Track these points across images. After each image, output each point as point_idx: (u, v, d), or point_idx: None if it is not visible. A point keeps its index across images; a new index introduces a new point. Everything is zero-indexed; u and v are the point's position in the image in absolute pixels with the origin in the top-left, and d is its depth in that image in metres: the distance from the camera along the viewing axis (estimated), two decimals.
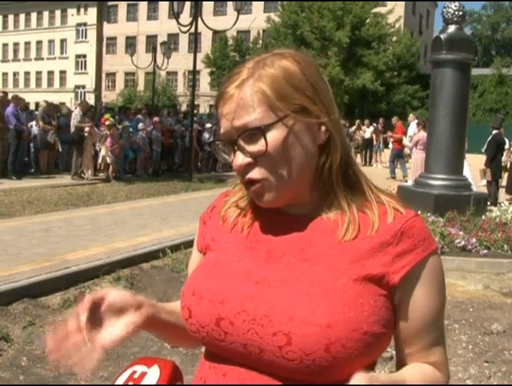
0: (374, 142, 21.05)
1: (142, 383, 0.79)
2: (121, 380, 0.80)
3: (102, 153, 12.70)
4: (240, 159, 0.88)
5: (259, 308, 0.85)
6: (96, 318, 0.88)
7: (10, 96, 13.00)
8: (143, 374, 0.80)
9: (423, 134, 11.89)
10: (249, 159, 0.88)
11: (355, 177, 0.94)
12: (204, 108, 42.82)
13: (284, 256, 0.90)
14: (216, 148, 0.95)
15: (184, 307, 0.92)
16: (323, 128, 0.90)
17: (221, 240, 0.98)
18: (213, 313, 0.87)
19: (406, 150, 20.05)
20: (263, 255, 0.92)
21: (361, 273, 0.86)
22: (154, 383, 0.79)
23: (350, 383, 0.78)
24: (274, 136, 0.86)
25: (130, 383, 0.79)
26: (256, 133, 0.86)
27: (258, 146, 0.86)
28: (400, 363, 0.95)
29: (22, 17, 59.24)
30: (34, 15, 58.40)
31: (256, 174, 0.88)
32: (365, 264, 0.86)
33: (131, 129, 14.16)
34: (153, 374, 0.80)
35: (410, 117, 13.48)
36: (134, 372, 0.81)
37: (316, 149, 0.90)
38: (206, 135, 16.20)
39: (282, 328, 0.82)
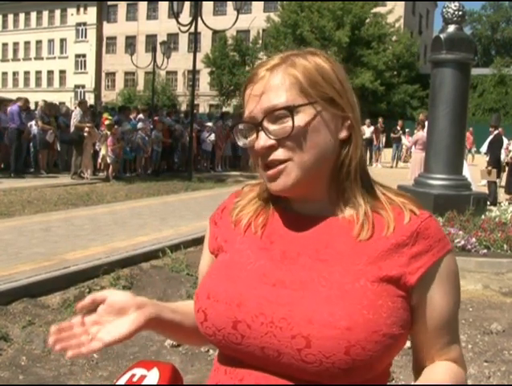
0: (374, 142, 21.08)
1: (141, 385, 0.79)
2: (120, 383, 0.80)
3: (102, 152, 12.71)
4: (263, 141, 0.87)
5: (277, 311, 0.84)
6: (97, 318, 0.89)
7: (9, 95, 13.07)
8: (142, 377, 0.80)
9: (421, 134, 11.90)
10: (272, 141, 0.87)
11: (368, 178, 0.94)
12: (203, 108, 42.81)
13: (300, 257, 0.89)
14: (237, 132, 0.94)
15: (199, 310, 0.91)
16: (347, 123, 0.90)
17: (235, 242, 0.96)
18: (230, 316, 0.86)
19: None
20: (278, 256, 0.91)
21: (379, 275, 0.85)
22: (154, 385, 0.79)
23: None
24: (302, 118, 0.86)
25: (130, 385, 0.79)
26: (284, 113, 0.86)
27: (285, 127, 0.86)
28: (418, 363, 0.95)
29: (21, 16, 59.20)
30: (33, 15, 58.36)
31: (279, 155, 0.87)
32: (381, 266, 0.86)
33: (131, 128, 14.15)
34: (152, 377, 0.80)
35: (422, 116, 13.16)
36: (134, 375, 0.80)
37: (338, 142, 0.90)
38: (205, 134, 16.19)
39: (301, 331, 0.81)
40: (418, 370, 0.95)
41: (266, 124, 0.87)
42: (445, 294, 0.89)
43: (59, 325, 0.87)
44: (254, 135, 0.89)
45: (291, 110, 0.85)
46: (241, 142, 0.93)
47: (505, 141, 13.72)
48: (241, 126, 0.93)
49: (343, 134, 0.90)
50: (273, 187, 0.90)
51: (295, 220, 0.93)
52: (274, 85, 0.87)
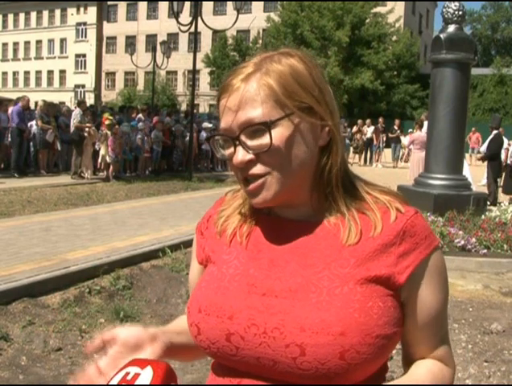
0: (374, 142, 21.08)
1: (135, 383, 0.79)
2: (114, 382, 0.80)
3: (102, 152, 12.71)
4: (241, 155, 0.85)
5: (269, 321, 0.84)
6: (112, 361, 0.88)
7: (9, 95, 13.11)
8: (136, 375, 0.80)
9: (418, 134, 11.91)
10: (250, 156, 0.85)
11: (351, 180, 0.93)
12: (203, 108, 42.81)
13: (288, 264, 0.88)
14: (214, 143, 0.92)
15: (192, 324, 0.90)
16: (326, 129, 0.89)
17: (222, 253, 0.95)
18: (222, 328, 0.86)
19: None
20: (266, 265, 0.90)
21: (367, 276, 0.85)
22: (147, 384, 0.79)
23: None
24: (279, 132, 0.84)
25: (124, 384, 0.79)
26: (261, 128, 0.84)
27: (262, 142, 0.84)
28: (407, 358, 0.96)
29: (21, 16, 59.21)
30: (33, 15, 58.37)
31: (258, 169, 0.86)
32: (369, 267, 0.86)
33: (130, 129, 14.14)
34: (146, 375, 0.80)
35: (423, 116, 13.15)
36: (128, 374, 0.80)
37: (318, 150, 0.89)
38: (203, 134, 16.20)
39: (295, 339, 0.81)
40: (407, 364, 0.95)
41: (243, 138, 0.85)
42: (433, 291, 0.89)
43: (79, 381, 0.87)
44: (232, 148, 0.87)
45: (267, 126, 0.83)
46: (219, 154, 0.92)
47: (506, 141, 13.71)
48: (217, 137, 0.91)
49: (322, 141, 0.89)
50: (254, 202, 0.89)
51: (279, 226, 0.92)
52: (249, 98, 0.84)
